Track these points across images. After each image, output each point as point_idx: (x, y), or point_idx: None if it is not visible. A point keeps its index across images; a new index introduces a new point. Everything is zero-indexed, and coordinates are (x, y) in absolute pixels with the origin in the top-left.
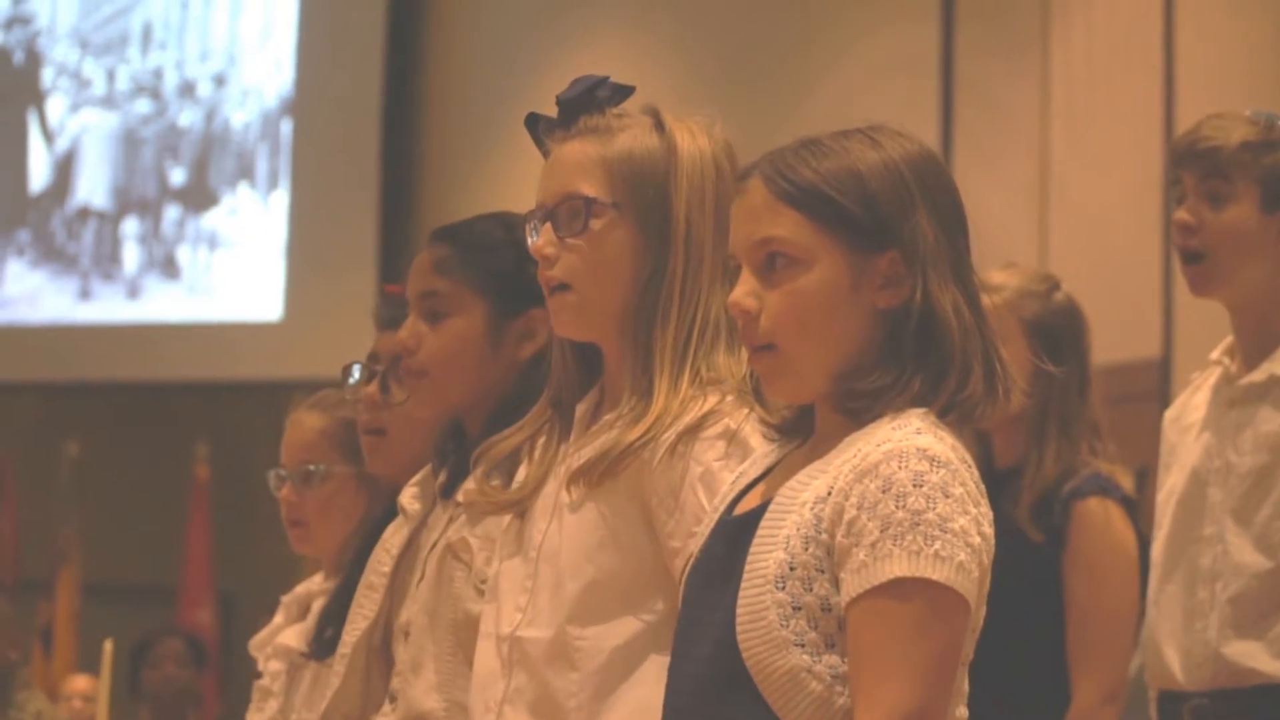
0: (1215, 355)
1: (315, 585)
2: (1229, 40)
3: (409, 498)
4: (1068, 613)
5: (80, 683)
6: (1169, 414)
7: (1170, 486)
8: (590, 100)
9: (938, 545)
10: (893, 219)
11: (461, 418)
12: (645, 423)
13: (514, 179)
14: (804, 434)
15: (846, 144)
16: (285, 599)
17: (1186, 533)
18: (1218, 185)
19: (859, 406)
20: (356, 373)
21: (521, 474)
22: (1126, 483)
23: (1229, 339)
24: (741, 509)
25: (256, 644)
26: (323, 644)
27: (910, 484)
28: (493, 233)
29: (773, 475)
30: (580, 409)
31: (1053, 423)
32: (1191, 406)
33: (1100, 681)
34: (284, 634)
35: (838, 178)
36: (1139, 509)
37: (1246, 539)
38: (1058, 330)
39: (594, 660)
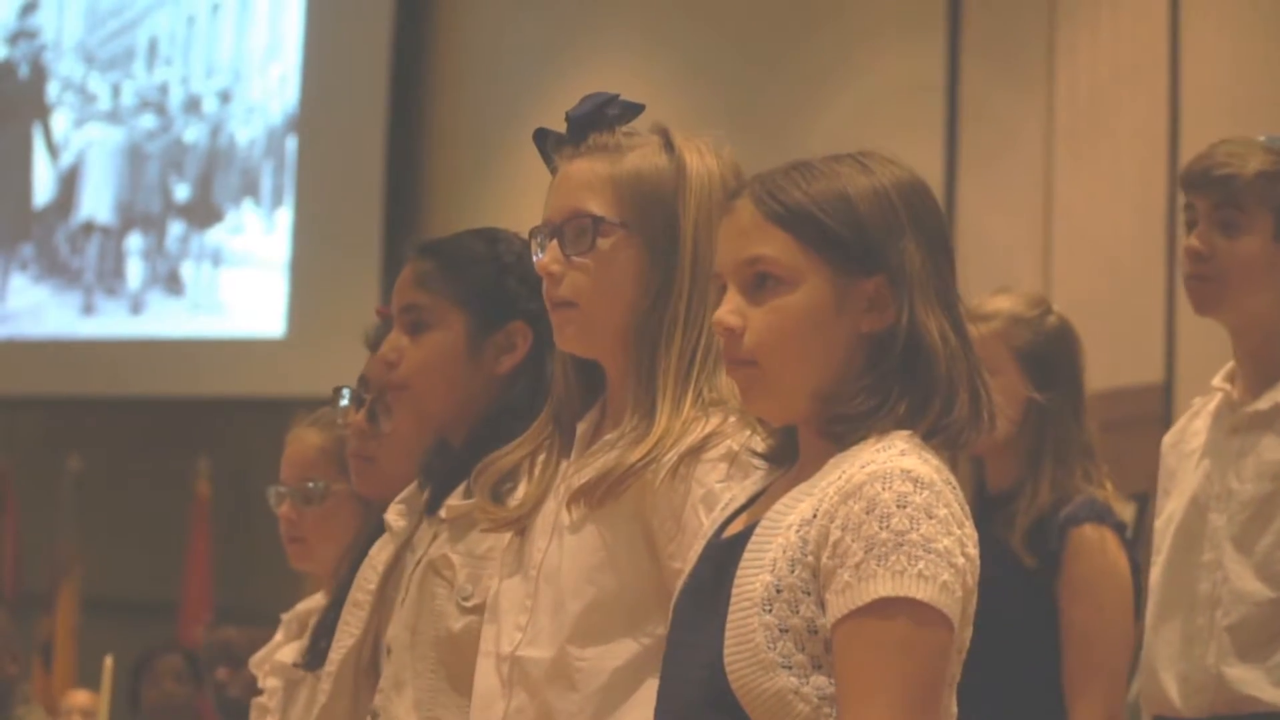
0: (1216, 381)
1: (315, 603)
2: (1234, 64)
3: (394, 514)
4: (1064, 639)
5: (80, 698)
6: (1167, 439)
7: (1169, 512)
8: (600, 118)
9: (921, 565)
10: (880, 243)
11: (445, 434)
12: (647, 444)
13: (518, 198)
14: (790, 460)
15: (837, 168)
16: (285, 617)
17: (1185, 558)
18: (1232, 214)
19: (843, 430)
20: (346, 396)
21: (521, 491)
22: (1120, 508)
23: (1230, 364)
24: (729, 533)
25: (256, 661)
26: (316, 654)
27: (894, 505)
28: (473, 246)
29: (759, 500)
30: (581, 427)
31: (1048, 449)
32: (1191, 432)
33: (1098, 709)
34: (282, 651)
35: (827, 200)
36: (1140, 534)
37: (1247, 567)
38: (1050, 356)
39: (595, 681)
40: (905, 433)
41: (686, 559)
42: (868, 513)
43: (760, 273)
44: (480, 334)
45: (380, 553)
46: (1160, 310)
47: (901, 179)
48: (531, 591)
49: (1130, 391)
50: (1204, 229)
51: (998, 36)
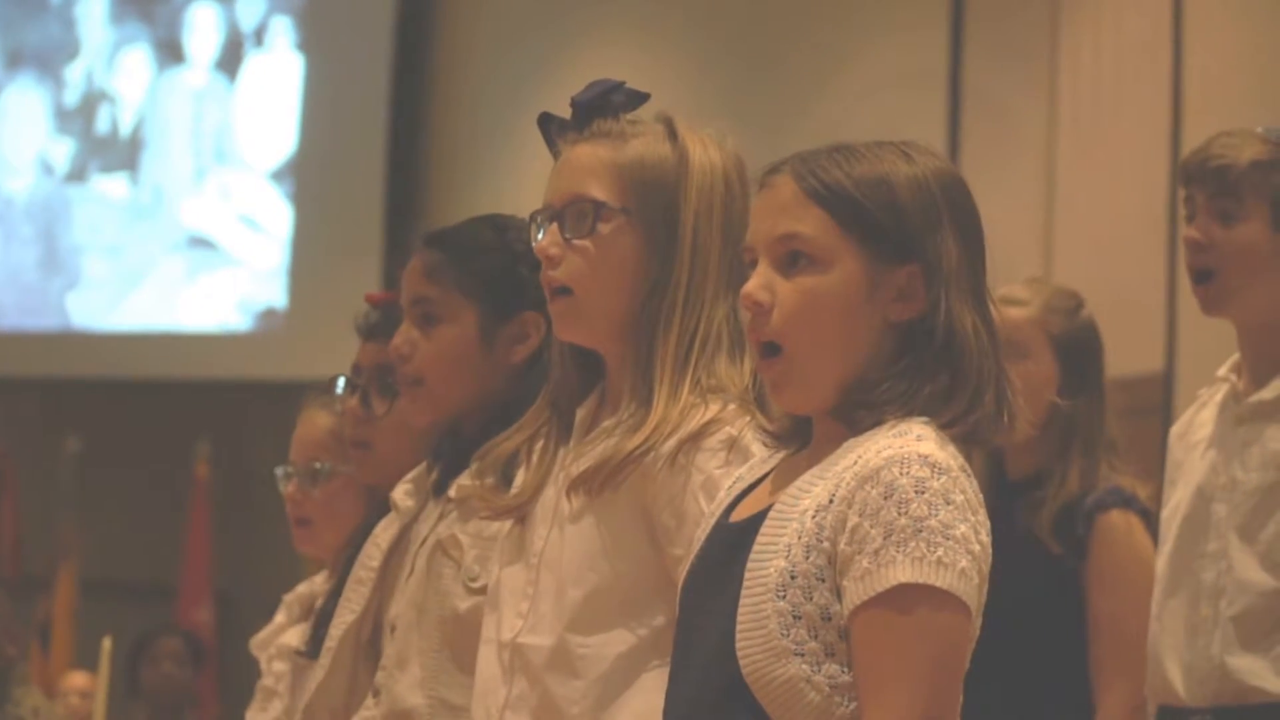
0: (1222, 372)
1: (318, 585)
2: (1238, 54)
3: (401, 493)
4: (1092, 625)
5: (78, 680)
6: (1175, 429)
7: (1175, 502)
8: (605, 104)
9: (940, 552)
10: (918, 233)
11: (460, 422)
12: (645, 431)
13: (520, 182)
14: (801, 441)
15: (880, 153)
16: (287, 598)
17: (1191, 548)
18: (1228, 204)
19: (861, 415)
20: (341, 385)
21: (520, 478)
22: (1144, 495)
23: (1235, 356)
24: (739, 515)
25: (258, 643)
26: (318, 643)
27: (912, 490)
28: (482, 235)
29: (769, 481)
30: (580, 414)
31: (1077, 440)
32: (1198, 423)
33: (1126, 693)
34: (287, 634)
35: (869, 184)
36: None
37: (1251, 556)
38: (1082, 347)
39: (597, 668)
40: (922, 419)
41: (688, 545)
42: (886, 498)
43: (794, 250)
44: (492, 325)
45: (385, 531)
46: (1161, 300)
47: (943, 172)
48: (533, 579)
49: (1131, 381)
50: (1202, 220)
51: (1001, 26)
